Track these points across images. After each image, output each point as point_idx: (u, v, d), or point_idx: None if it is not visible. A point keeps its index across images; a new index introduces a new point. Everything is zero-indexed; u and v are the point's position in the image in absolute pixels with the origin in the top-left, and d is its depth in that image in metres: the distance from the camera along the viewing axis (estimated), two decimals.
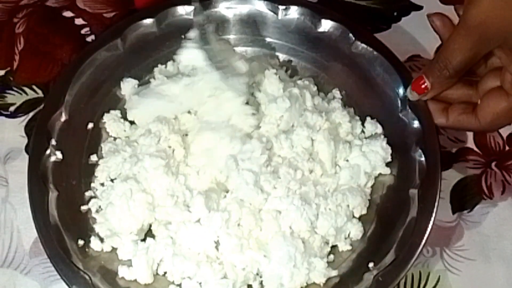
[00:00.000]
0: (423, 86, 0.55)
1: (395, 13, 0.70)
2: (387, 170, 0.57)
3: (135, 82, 0.60)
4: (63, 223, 0.52)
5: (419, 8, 0.70)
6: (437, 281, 0.56)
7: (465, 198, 0.60)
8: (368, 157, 0.57)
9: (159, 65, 0.62)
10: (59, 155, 0.55)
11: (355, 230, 0.54)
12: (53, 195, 0.53)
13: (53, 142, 0.55)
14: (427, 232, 0.51)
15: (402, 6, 0.70)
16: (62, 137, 0.56)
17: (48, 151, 0.55)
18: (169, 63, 0.62)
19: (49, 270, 0.55)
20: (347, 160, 0.57)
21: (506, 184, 0.61)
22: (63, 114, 0.57)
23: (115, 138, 0.58)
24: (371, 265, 0.52)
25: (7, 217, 0.58)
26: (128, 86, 0.60)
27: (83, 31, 0.68)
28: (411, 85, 0.56)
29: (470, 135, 0.63)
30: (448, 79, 0.54)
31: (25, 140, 0.61)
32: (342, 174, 0.56)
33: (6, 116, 0.63)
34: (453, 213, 0.59)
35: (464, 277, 0.56)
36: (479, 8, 0.51)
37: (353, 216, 0.55)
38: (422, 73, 0.55)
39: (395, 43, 0.62)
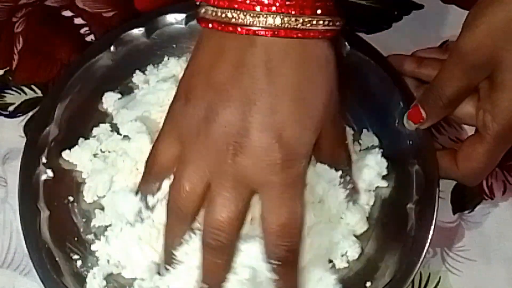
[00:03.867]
0: (418, 115, 0.54)
1: (396, 12, 0.69)
2: (384, 183, 0.56)
3: (117, 96, 0.59)
4: (55, 243, 0.52)
5: (420, 7, 0.70)
6: (438, 282, 0.56)
7: (466, 199, 0.59)
8: (362, 172, 0.55)
9: (137, 71, 0.60)
10: (49, 173, 0.55)
11: (352, 251, 0.53)
12: (44, 215, 0.53)
13: (44, 160, 0.55)
14: (425, 250, 0.51)
15: (403, 5, 0.70)
16: (53, 155, 0.56)
17: (38, 170, 0.54)
18: (149, 68, 0.60)
19: None
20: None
21: (507, 184, 0.60)
22: (53, 131, 0.56)
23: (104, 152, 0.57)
24: (368, 284, 0.51)
25: (6, 218, 0.58)
26: (110, 100, 0.59)
27: (82, 31, 0.68)
28: (407, 114, 0.55)
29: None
30: (443, 109, 0.53)
31: (24, 140, 0.61)
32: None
33: (5, 116, 0.63)
34: (454, 213, 0.59)
35: (465, 278, 0.56)
36: (475, 34, 0.50)
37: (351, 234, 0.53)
38: (417, 102, 0.54)
39: (396, 42, 0.62)
